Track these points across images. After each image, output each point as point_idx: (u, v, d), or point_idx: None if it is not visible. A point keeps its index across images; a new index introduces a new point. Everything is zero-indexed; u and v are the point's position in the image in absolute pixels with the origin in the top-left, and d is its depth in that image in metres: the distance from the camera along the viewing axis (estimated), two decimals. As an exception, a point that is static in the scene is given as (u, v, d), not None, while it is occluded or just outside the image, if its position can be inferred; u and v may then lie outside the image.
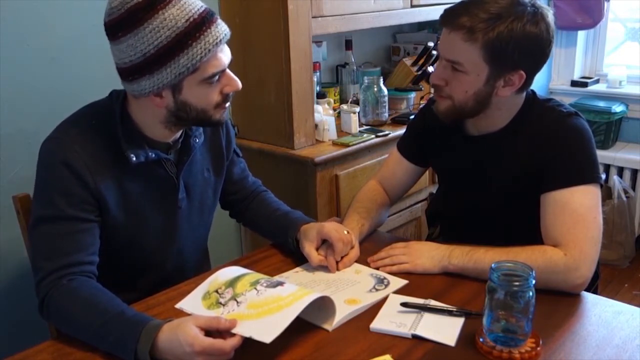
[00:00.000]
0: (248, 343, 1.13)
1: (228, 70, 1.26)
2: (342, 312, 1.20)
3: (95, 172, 1.23)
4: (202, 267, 1.55)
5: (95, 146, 1.24)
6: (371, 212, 1.58)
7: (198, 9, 1.18)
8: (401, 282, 1.33)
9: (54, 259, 1.20)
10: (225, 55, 1.23)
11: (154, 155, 1.30)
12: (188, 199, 1.41)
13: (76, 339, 1.15)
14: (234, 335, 1.08)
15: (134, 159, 1.26)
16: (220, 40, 1.20)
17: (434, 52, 2.67)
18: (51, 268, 1.19)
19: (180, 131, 1.36)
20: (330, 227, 1.40)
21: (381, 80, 2.46)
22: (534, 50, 1.30)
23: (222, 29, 1.21)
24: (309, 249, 1.40)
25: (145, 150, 1.28)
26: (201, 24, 1.17)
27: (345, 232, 1.41)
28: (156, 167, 1.33)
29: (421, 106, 2.63)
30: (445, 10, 1.32)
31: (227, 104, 1.30)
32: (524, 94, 1.40)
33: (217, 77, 1.23)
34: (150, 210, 1.35)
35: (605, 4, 3.30)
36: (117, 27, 1.17)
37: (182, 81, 1.20)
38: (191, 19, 1.16)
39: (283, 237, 1.48)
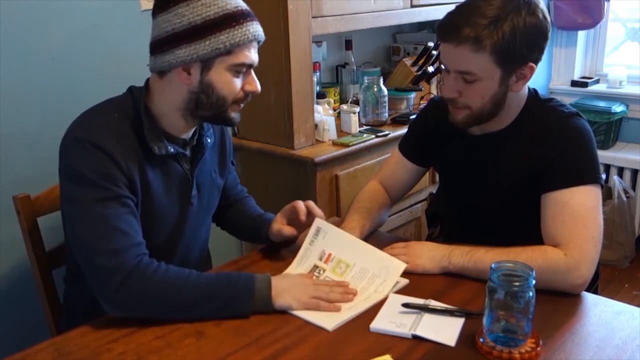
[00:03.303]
0: (248, 343, 1.13)
1: (253, 72, 1.32)
2: (344, 314, 1.21)
3: (127, 159, 1.25)
4: (204, 266, 1.57)
5: (121, 136, 1.26)
6: (372, 212, 1.58)
7: (245, 6, 1.27)
8: (401, 280, 1.33)
9: (122, 238, 1.20)
10: (256, 54, 1.29)
11: (172, 150, 1.32)
12: (199, 196, 1.43)
13: (75, 339, 1.15)
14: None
15: (157, 150, 1.28)
16: (257, 36, 1.27)
17: (434, 52, 2.67)
18: (124, 246, 1.19)
19: (195, 128, 1.38)
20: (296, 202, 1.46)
21: (381, 80, 2.46)
22: (538, 39, 1.30)
23: (261, 30, 1.29)
24: (278, 225, 1.46)
25: (165, 144, 1.30)
26: (247, 15, 1.26)
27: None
28: (173, 162, 1.35)
29: (421, 106, 2.64)
30: (442, 25, 1.31)
31: (242, 104, 1.34)
32: (526, 87, 1.40)
33: (244, 69, 1.28)
34: (166, 203, 1.36)
35: (605, 4, 3.30)
36: None
37: (214, 59, 1.24)
38: (239, 8, 1.25)
39: (257, 235, 1.53)
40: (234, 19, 1.23)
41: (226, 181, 1.58)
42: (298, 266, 1.40)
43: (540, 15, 1.28)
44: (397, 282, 1.32)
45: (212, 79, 1.26)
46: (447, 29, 1.30)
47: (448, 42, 1.30)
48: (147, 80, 1.34)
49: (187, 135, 1.38)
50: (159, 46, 1.26)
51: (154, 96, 1.32)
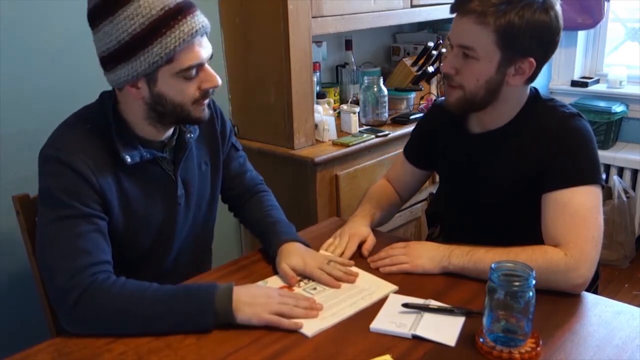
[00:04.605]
0: (248, 343, 1.13)
1: (207, 66, 1.24)
2: (326, 321, 1.19)
3: (98, 173, 1.22)
4: (202, 264, 1.56)
5: (93, 150, 1.24)
6: (381, 203, 1.65)
7: None
8: (390, 287, 1.32)
9: (80, 257, 1.17)
10: (204, 49, 1.21)
11: (148, 155, 1.29)
12: (186, 195, 1.40)
13: (75, 339, 1.15)
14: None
15: (129, 160, 1.25)
16: (197, 32, 1.17)
17: (434, 52, 2.67)
18: (81, 265, 1.16)
19: (172, 129, 1.35)
20: (313, 266, 1.35)
21: (381, 80, 2.46)
22: (544, 38, 1.30)
23: (199, 20, 1.18)
24: (286, 267, 1.35)
25: (139, 151, 1.28)
26: (177, 13, 1.15)
27: (327, 263, 1.38)
28: (153, 166, 1.33)
29: (421, 106, 2.64)
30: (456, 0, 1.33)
31: (206, 101, 1.28)
32: (528, 88, 1.40)
33: (194, 70, 1.21)
34: (150, 209, 1.34)
35: (605, 4, 3.30)
36: (95, 14, 1.19)
37: (156, 71, 1.18)
38: (166, 8, 1.15)
39: (267, 247, 1.47)
40: (163, 23, 1.13)
41: (230, 170, 1.55)
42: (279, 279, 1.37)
43: (552, 15, 1.29)
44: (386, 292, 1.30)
45: (161, 89, 1.20)
46: (458, 1, 1.32)
47: (456, 13, 1.32)
48: None
49: (165, 136, 1.34)
50: (102, 65, 1.23)
51: (121, 105, 1.29)
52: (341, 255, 1.45)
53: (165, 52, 1.15)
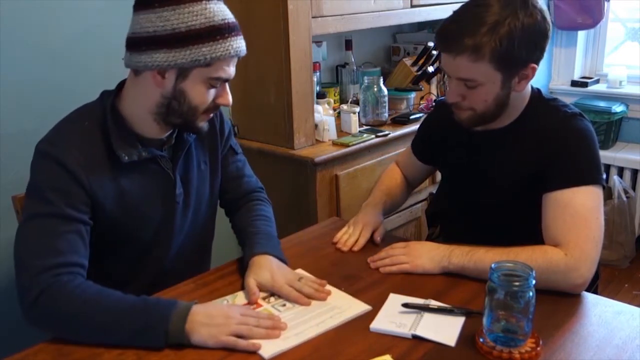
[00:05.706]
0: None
1: (227, 85, 1.30)
2: (289, 341, 1.14)
3: (90, 172, 1.23)
4: (201, 265, 1.55)
5: (89, 147, 1.24)
6: (392, 189, 1.70)
7: (232, 18, 1.25)
8: (363, 307, 1.25)
9: (50, 256, 1.17)
10: (233, 68, 1.28)
11: (147, 154, 1.30)
12: (185, 194, 1.40)
13: (76, 338, 1.15)
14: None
15: (126, 158, 1.26)
16: (240, 52, 1.26)
17: (434, 52, 2.67)
18: (48, 265, 1.16)
19: (170, 129, 1.35)
20: (282, 283, 1.29)
21: (381, 80, 2.46)
22: (537, 40, 1.30)
23: (244, 45, 1.28)
24: (252, 283, 1.30)
25: (138, 150, 1.28)
26: (232, 29, 1.24)
27: (298, 280, 1.32)
28: (151, 164, 1.33)
29: (421, 106, 2.64)
30: (440, 35, 1.32)
31: (212, 114, 1.34)
32: (530, 86, 1.41)
33: (219, 82, 1.27)
34: (149, 207, 1.34)
35: (605, 4, 3.30)
36: None
37: (192, 69, 1.22)
38: (227, 20, 1.23)
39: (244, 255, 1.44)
40: (219, 32, 1.21)
41: (228, 173, 1.54)
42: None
43: (539, 16, 1.28)
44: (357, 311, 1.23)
45: (186, 87, 1.24)
46: (445, 38, 1.31)
47: (447, 52, 1.31)
48: (119, 84, 1.33)
49: (165, 134, 1.35)
50: (136, 44, 1.23)
51: (128, 97, 1.30)
52: (355, 243, 1.50)
53: (211, 56, 1.20)
